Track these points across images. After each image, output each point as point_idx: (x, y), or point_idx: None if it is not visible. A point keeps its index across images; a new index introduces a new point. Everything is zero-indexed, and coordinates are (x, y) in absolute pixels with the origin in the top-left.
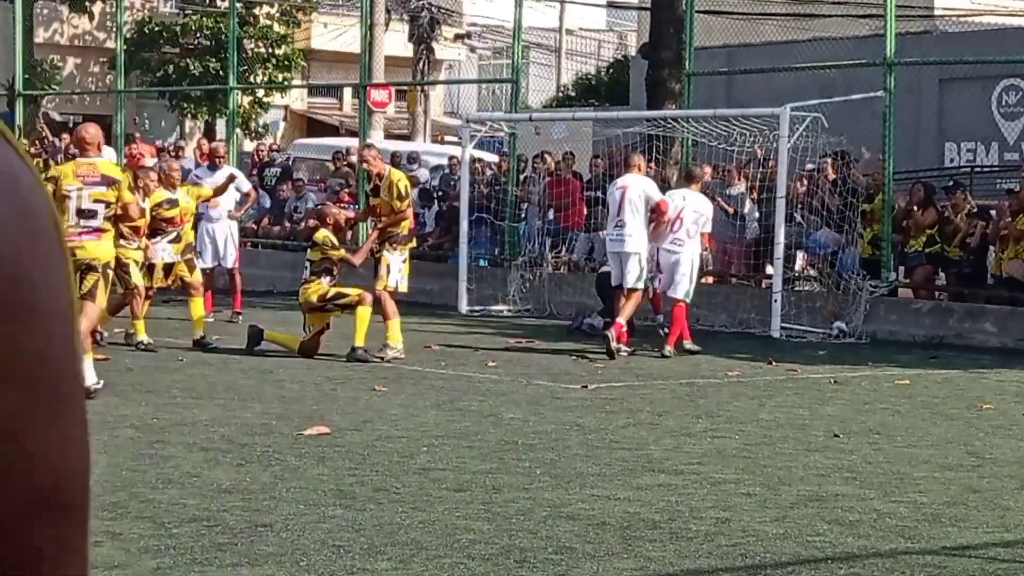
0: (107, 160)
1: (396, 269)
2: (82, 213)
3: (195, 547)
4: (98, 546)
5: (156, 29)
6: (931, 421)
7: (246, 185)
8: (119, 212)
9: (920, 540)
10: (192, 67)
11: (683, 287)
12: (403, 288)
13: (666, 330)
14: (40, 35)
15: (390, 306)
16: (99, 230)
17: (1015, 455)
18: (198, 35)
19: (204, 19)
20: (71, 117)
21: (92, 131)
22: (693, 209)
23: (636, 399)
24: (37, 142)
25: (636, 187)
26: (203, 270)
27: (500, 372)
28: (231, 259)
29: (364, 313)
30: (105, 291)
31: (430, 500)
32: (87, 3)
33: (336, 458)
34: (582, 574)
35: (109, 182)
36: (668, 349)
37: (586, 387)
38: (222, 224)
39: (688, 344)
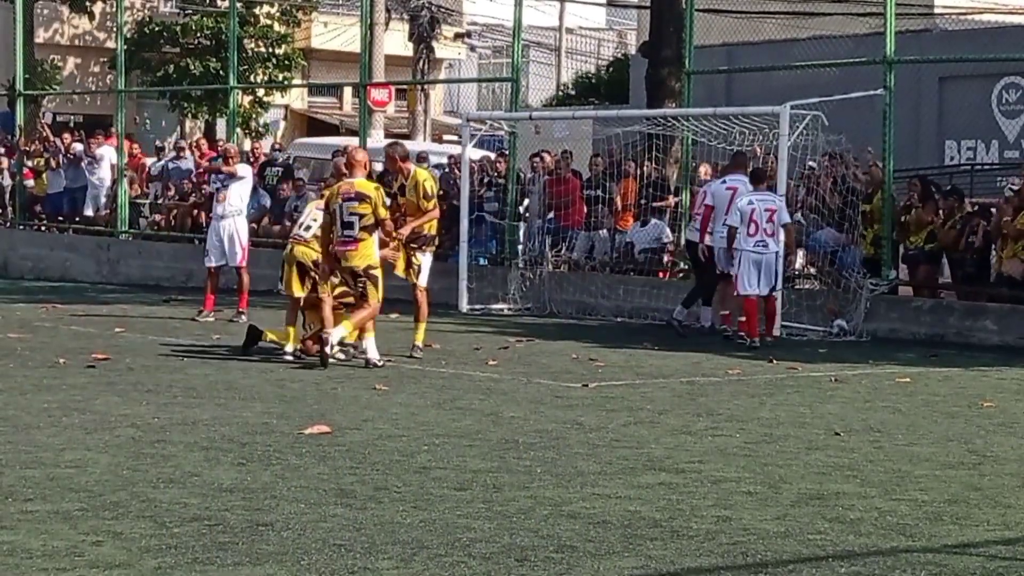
0: (363, 179)
1: (427, 268)
2: (344, 225)
3: (196, 546)
4: (99, 546)
5: (156, 29)
6: (932, 419)
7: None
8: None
9: (921, 538)
10: (192, 67)
11: (775, 283)
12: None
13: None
14: (40, 35)
15: (424, 309)
16: (356, 240)
17: (1016, 453)
18: (198, 35)
19: (204, 19)
20: (71, 117)
21: (359, 156)
22: (765, 208)
23: (637, 397)
24: (38, 142)
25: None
26: (209, 269)
27: (501, 371)
28: (237, 258)
29: (358, 319)
30: (376, 291)
31: (431, 499)
32: (87, 3)
33: (337, 457)
34: (583, 573)
35: (361, 197)
36: (764, 339)
37: (586, 386)
38: (228, 222)
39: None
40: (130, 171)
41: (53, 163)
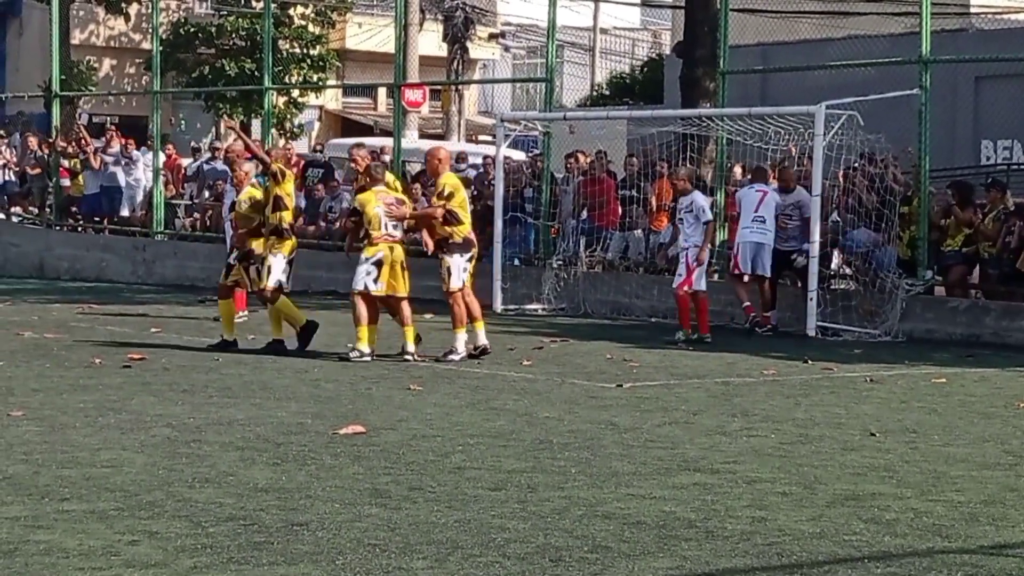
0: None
1: (460, 269)
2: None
3: (231, 546)
4: (135, 545)
5: (192, 30)
6: (968, 420)
7: None
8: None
9: (957, 539)
10: (227, 68)
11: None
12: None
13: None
14: (76, 36)
15: (458, 311)
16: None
17: None
18: (233, 36)
19: (239, 20)
20: (107, 118)
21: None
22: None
23: (671, 398)
24: (74, 143)
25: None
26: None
27: (535, 371)
28: None
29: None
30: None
31: (465, 499)
32: (123, 4)
33: (371, 457)
34: (618, 573)
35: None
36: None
37: (621, 386)
38: None
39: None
40: (166, 172)
41: (95, 163)
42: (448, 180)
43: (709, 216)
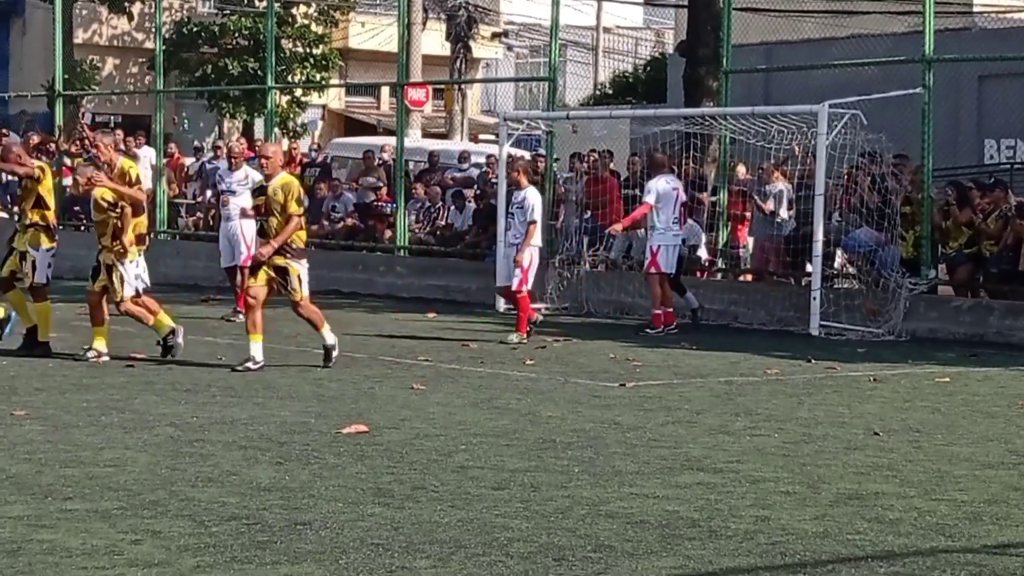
0: None
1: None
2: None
3: (234, 545)
4: (138, 544)
5: (194, 29)
6: (971, 419)
7: None
8: None
9: (961, 538)
10: (230, 67)
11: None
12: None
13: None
14: (79, 36)
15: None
16: None
17: None
18: (236, 35)
19: (242, 19)
20: (110, 117)
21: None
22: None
23: (674, 397)
24: (77, 142)
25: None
26: (225, 269)
27: (538, 370)
28: (243, 258)
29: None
30: None
31: (468, 498)
32: (126, 4)
33: (374, 456)
34: (621, 572)
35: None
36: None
37: (624, 385)
38: (234, 223)
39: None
40: (168, 171)
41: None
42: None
43: (534, 216)
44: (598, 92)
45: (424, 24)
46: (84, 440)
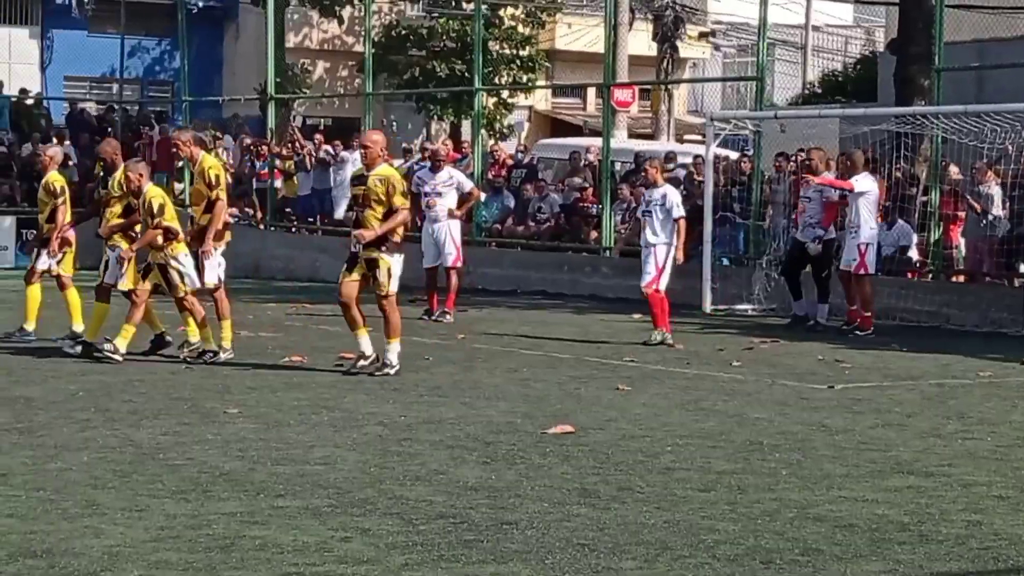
0: None
1: (215, 264)
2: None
3: (442, 543)
4: (347, 542)
5: (403, 32)
6: None
7: (468, 185)
8: None
9: None
10: (438, 69)
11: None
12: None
13: None
14: (291, 40)
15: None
16: None
17: None
18: (444, 38)
19: (450, 22)
20: (320, 120)
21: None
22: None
23: (884, 400)
24: (289, 145)
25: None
26: (426, 269)
27: (745, 372)
28: (451, 259)
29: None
30: None
31: (674, 500)
32: (336, 8)
33: (580, 457)
34: None
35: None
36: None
37: (833, 387)
38: (442, 224)
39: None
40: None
41: (308, 164)
42: (208, 162)
43: (681, 212)
44: (807, 91)
45: (631, 25)
46: (295, 438)
